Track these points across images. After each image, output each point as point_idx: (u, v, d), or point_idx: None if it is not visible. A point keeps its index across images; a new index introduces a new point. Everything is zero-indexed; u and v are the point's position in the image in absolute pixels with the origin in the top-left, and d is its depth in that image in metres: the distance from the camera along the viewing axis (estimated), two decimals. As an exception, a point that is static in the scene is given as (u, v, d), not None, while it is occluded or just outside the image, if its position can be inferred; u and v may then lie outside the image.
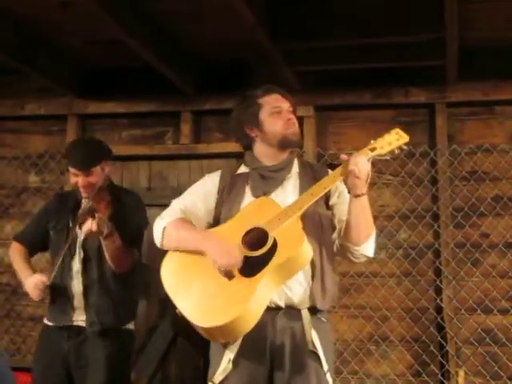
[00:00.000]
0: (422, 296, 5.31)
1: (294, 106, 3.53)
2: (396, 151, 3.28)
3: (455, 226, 5.32)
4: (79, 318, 4.16)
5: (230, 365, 3.18)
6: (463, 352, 5.20)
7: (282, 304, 3.22)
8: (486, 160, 5.38)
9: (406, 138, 3.29)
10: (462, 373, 5.10)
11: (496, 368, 5.13)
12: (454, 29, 4.43)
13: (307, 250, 3.10)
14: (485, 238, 5.31)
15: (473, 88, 5.42)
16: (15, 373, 4.40)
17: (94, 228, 3.89)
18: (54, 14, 4.71)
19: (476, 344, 5.19)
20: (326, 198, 3.36)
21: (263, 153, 3.47)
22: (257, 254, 3.06)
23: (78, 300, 4.16)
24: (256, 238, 3.12)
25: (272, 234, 3.07)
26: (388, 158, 3.30)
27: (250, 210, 3.26)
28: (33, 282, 4.11)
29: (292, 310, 3.23)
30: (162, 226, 3.34)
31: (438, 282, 5.28)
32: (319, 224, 3.33)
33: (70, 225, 4.19)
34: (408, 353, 5.28)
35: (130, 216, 4.24)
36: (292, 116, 3.48)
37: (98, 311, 4.13)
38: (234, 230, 3.18)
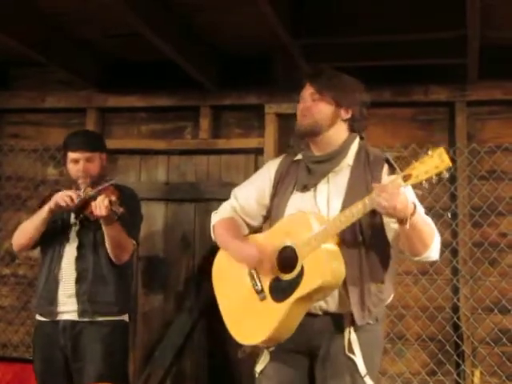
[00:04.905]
0: (438, 295, 5.30)
1: (320, 88, 3.32)
2: (434, 177, 2.90)
3: (473, 225, 5.31)
4: (70, 309, 4.14)
5: (268, 356, 3.31)
6: (479, 352, 5.19)
7: (319, 312, 3.20)
8: (505, 159, 5.35)
9: (447, 163, 2.85)
10: (477, 373, 5.09)
11: (512, 368, 5.12)
12: (476, 27, 4.40)
13: (334, 279, 3.04)
14: (503, 238, 5.29)
15: (493, 87, 5.38)
16: (30, 365, 4.42)
17: (107, 205, 3.87)
18: (74, 7, 4.73)
19: (492, 344, 5.18)
20: None
21: (310, 142, 3.39)
22: (285, 278, 3.12)
23: (70, 289, 4.15)
24: (289, 256, 3.13)
25: (301, 259, 3.07)
26: (425, 186, 2.95)
27: (288, 223, 3.22)
28: (64, 192, 4.14)
29: (331, 314, 3.20)
30: (212, 224, 3.49)
31: (454, 281, 5.26)
32: (358, 231, 3.15)
33: (65, 215, 4.24)
34: (424, 352, 5.27)
35: (126, 207, 4.22)
36: (306, 104, 3.33)
37: (90, 299, 4.12)
38: (270, 244, 3.22)
